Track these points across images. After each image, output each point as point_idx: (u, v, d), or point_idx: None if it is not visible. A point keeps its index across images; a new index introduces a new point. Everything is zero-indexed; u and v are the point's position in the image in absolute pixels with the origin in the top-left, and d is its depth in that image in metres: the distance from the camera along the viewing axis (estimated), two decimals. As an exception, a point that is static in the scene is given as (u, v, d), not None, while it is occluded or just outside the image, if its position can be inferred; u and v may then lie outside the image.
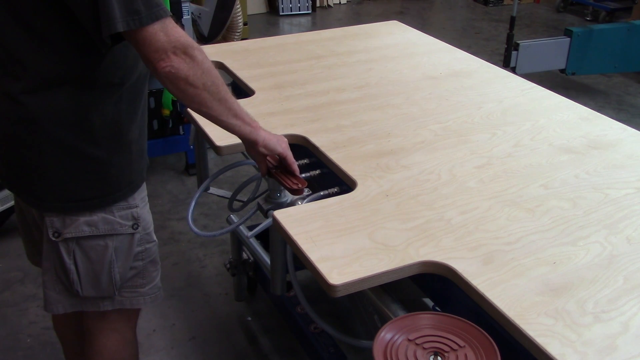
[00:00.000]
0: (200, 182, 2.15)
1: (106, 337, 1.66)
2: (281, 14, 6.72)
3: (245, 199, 2.05)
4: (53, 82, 1.34)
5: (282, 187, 1.60)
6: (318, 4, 7.03)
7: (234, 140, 1.56)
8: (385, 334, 1.11)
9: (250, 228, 2.20)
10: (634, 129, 1.84)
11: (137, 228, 1.53)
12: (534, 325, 1.09)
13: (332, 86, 2.07)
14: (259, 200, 1.73)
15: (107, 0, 1.21)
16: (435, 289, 1.37)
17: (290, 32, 3.98)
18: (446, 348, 1.09)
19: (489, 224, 1.37)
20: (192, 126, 1.88)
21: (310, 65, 2.25)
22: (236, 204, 2.04)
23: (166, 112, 3.37)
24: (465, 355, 1.08)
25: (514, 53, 4.28)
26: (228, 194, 2.06)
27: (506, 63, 4.28)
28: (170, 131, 3.53)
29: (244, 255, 2.44)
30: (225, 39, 4.03)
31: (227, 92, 1.40)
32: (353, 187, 1.51)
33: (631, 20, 5.28)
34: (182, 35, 1.29)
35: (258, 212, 1.75)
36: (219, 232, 1.79)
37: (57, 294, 1.55)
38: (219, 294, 2.68)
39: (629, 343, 1.06)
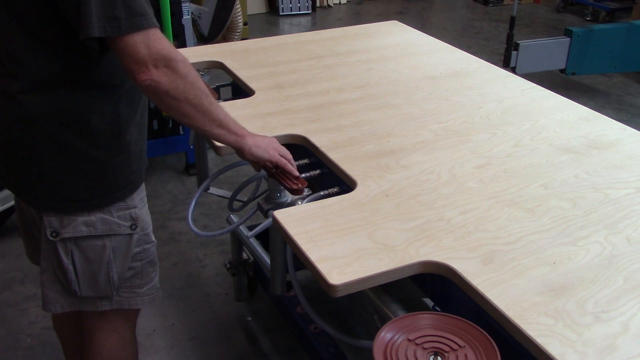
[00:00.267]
0: (200, 182, 2.15)
1: (105, 337, 1.66)
2: (281, 14, 6.72)
3: (245, 199, 2.05)
4: (51, 82, 1.34)
5: (282, 187, 1.60)
6: (318, 4, 7.03)
7: (234, 140, 1.56)
8: (385, 334, 1.11)
9: (250, 228, 2.20)
10: (634, 129, 1.84)
11: (135, 229, 1.53)
12: (534, 325, 1.09)
13: (332, 86, 2.07)
14: (259, 200, 1.73)
15: (87, 4, 1.20)
16: (435, 289, 1.37)
17: (290, 32, 3.98)
18: (446, 348, 1.09)
19: (489, 224, 1.37)
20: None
21: (310, 65, 2.25)
22: (236, 204, 2.04)
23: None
24: (465, 355, 1.08)
25: (514, 53, 4.28)
26: (228, 194, 2.06)
27: (506, 63, 4.28)
28: (170, 131, 3.53)
29: (244, 255, 2.44)
30: (225, 39, 4.03)
31: (211, 104, 1.39)
32: (353, 187, 1.51)
33: (631, 20, 5.28)
34: (165, 47, 1.27)
35: (258, 212, 1.75)
36: (219, 232, 1.79)
37: (55, 294, 1.55)
38: (219, 294, 2.68)
39: (629, 343, 1.06)
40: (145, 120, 1.56)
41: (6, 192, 2.87)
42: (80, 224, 1.45)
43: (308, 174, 1.64)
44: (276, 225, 1.37)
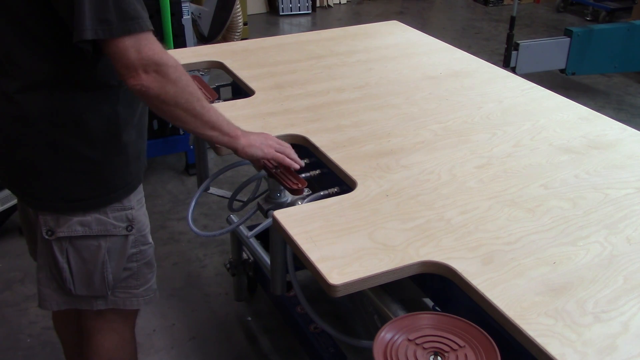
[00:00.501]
0: (200, 182, 2.15)
1: (104, 337, 1.66)
2: (281, 14, 6.72)
3: (245, 199, 2.05)
4: (48, 82, 1.34)
5: (282, 187, 1.60)
6: (318, 4, 7.03)
7: (234, 140, 1.56)
8: (385, 334, 1.11)
9: (250, 228, 2.20)
10: (634, 129, 1.84)
11: (131, 230, 1.53)
12: (534, 325, 1.09)
13: (332, 86, 2.07)
14: (259, 200, 1.73)
15: (81, 7, 1.20)
16: (435, 289, 1.37)
17: (290, 32, 3.98)
18: (446, 348, 1.09)
19: (489, 224, 1.37)
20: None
21: (310, 65, 2.25)
22: (236, 204, 2.04)
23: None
24: (465, 355, 1.08)
25: (514, 53, 4.28)
26: (228, 194, 2.05)
27: (506, 63, 4.28)
28: (170, 131, 3.53)
29: (244, 255, 2.44)
30: (225, 39, 4.03)
31: (203, 107, 1.39)
32: (353, 187, 1.51)
33: (631, 20, 5.28)
34: (156, 52, 1.27)
35: (258, 212, 1.75)
36: (219, 232, 1.79)
37: (51, 291, 1.55)
38: (219, 294, 2.68)
39: (629, 343, 1.06)
40: (144, 121, 1.56)
41: (6, 192, 2.87)
42: (76, 224, 1.45)
43: (308, 174, 1.64)
44: (276, 225, 1.37)
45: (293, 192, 1.55)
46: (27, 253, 1.73)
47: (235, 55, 2.31)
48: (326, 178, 1.64)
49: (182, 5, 3.38)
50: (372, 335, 1.14)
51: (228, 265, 2.49)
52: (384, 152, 1.66)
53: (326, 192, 1.57)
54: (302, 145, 1.75)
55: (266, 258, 2.08)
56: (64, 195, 1.43)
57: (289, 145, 1.60)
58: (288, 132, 1.75)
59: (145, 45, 1.25)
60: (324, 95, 2.01)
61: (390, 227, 1.34)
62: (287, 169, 1.59)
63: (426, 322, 1.15)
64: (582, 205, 1.45)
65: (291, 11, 6.77)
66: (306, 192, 1.56)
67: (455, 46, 2.51)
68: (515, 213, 1.41)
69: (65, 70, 1.34)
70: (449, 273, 1.23)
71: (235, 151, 1.52)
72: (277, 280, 1.69)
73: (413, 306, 1.41)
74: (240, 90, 2.14)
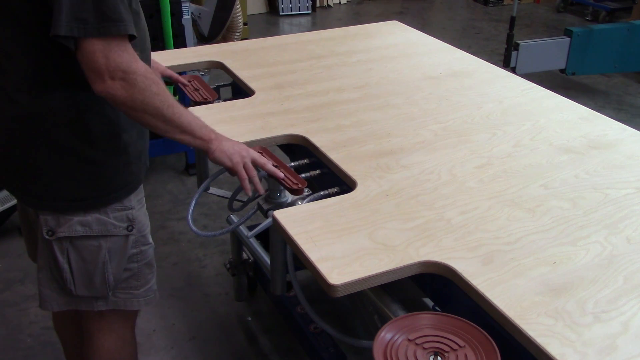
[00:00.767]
0: (200, 182, 2.15)
1: (104, 337, 1.66)
2: (281, 14, 6.72)
3: (245, 199, 2.05)
4: (47, 81, 1.34)
5: (282, 187, 1.60)
6: (318, 4, 7.03)
7: (234, 140, 1.56)
8: (385, 334, 1.11)
9: (250, 228, 2.20)
10: (634, 129, 1.84)
11: (131, 230, 1.53)
12: (534, 325, 1.09)
13: (332, 86, 2.07)
14: (259, 200, 1.73)
15: (61, 3, 1.19)
16: (435, 289, 1.37)
17: (290, 32, 3.99)
18: (446, 348, 1.09)
19: (489, 224, 1.37)
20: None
21: (310, 65, 2.25)
22: (236, 204, 2.03)
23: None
24: (465, 355, 1.08)
25: (514, 53, 4.28)
26: (228, 194, 2.05)
27: (506, 63, 4.28)
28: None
29: (244, 255, 2.44)
30: (225, 39, 4.03)
31: (173, 113, 1.38)
32: (353, 187, 1.51)
33: (631, 20, 5.28)
34: (125, 60, 1.26)
35: (258, 212, 1.75)
36: (219, 232, 1.78)
37: (51, 292, 1.55)
38: (219, 294, 2.68)
39: (629, 343, 1.06)
40: None
41: (6, 192, 2.87)
42: (76, 224, 1.45)
43: (308, 174, 1.64)
44: (276, 225, 1.37)
45: (293, 192, 1.55)
46: (26, 253, 1.73)
47: (235, 55, 2.31)
48: (326, 178, 1.64)
49: (182, 5, 3.38)
50: (372, 335, 1.14)
51: (228, 265, 2.49)
52: (384, 152, 1.66)
53: (326, 192, 1.57)
54: (302, 145, 1.75)
55: (266, 258, 2.07)
56: (64, 195, 1.43)
57: (266, 161, 1.57)
58: (288, 132, 1.75)
59: (115, 51, 1.24)
60: (324, 95, 2.01)
61: (390, 227, 1.34)
62: (287, 169, 1.59)
63: (426, 322, 1.15)
64: (582, 205, 1.45)
65: (291, 11, 6.77)
66: (306, 192, 1.56)
67: (455, 46, 2.51)
68: (515, 213, 1.41)
69: (65, 70, 1.34)
70: (449, 273, 1.23)
71: (207, 153, 1.51)
72: (277, 280, 1.69)
73: (413, 306, 1.41)
74: (240, 90, 2.14)
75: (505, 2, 7.35)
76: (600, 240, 1.33)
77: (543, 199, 1.47)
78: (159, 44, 3.28)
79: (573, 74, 4.52)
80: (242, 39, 3.78)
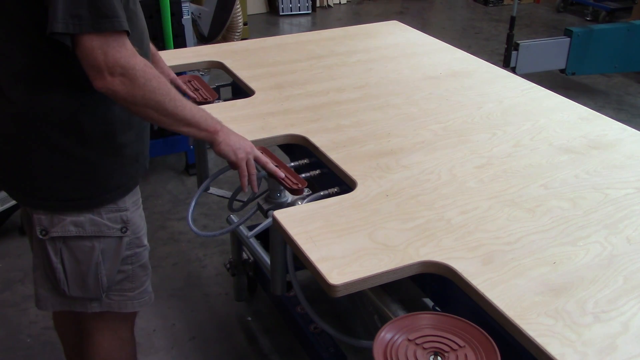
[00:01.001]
0: (200, 182, 2.15)
1: (103, 337, 1.66)
2: (281, 14, 6.72)
3: (245, 199, 2.05)
4: (42, 80, 1.33)
5: (282, 187, 1.60)
6: (318, 4, 7.03)
7: (234, 140, 1.55)
8: (385, 334, 1.11)
9: (250, 228, 2.20)
10: (634, 129, 1.84)
11: (125, 232, 1.52)
12: (534, 325, 1.09)
13: (332, 86, 2.07)
14: (259, 200, 1.73)
15: (57, 0, 1.19)
16: (435, 289, 1.37)
17: (290, 32, 3.99)
18: (446, 348, 1.09)
19: (489, 224, 1.37)
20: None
21: (310, 65, 2.25)
22: (236, 204, 2.03)
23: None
24: (465, 355, 1.08)
25: (514, 53, 4.28)
26: (228, 194, 2.05)
27: (506, 63, 4.28)
28: (170, 131, 3.52)
29: (244, 255, 2.44)
30: (225, 39, 4.03)
31: (176, 107, 1.38)
32: (353, 187, 1.51)
33: (631, 20, 5.28)
34: (123, 55, 1.25)
35: (258, 212, 1.75)
36: (219, 232, 1.78)
37: (46, 292, 1.55)
38: (219, 294, 2.68)
39: (629, 343, 1.06)
40: (146, 123, 1.54)
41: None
42: (69, 224, 1.45)
43: (308, 174, 1.64)
44: (276, 225, 1.37)
45: (293, 192, 1.55)
46: (27, 253, 1.74)
47: (235, 55, 2.31)
48: (326, 178, 1.64)
49: (182, 5, 3.39)
50: (372, 335, 1.14)
51: (228, 265, 2.49)
52: (384, 152, 1.66)
53: (326, 192, 1.57)
54: (302, 145, 1.75)
55: (266, 258, 2.07)
56: (57, 195, 1.43)
57: (267, 161, 1.57)
58: (288, 132, 1.75)
59: (113, 47, 1.24)
60: (324, 95, 2.01)
61: (390, 227, 1.34)
62: (287, 169, 1.59)
63: (426, 322, 1.15)
64: (582, 205, 1.45)
65: (291, 11, 6.77)
66: (306, 192, 1.56)
67: (455, 46, 2.51)
68: (515, 213, 1.41)
69: (61, 70, 1.33)
70: (449, 273, 1.23)
71: (212, 145, 1.51)
72: (277, 280, 1.69)
73: (413, 306, 1.41)
74: (240, 90, 2.14)
75: (505, 2, 7.35)
76: (600, 240, 1.33)
77: (543, 199, 1.47)
78: (159, 44, 3.28)
79: (573, 74, 4.52)
80: (242, 39, 3.78)
